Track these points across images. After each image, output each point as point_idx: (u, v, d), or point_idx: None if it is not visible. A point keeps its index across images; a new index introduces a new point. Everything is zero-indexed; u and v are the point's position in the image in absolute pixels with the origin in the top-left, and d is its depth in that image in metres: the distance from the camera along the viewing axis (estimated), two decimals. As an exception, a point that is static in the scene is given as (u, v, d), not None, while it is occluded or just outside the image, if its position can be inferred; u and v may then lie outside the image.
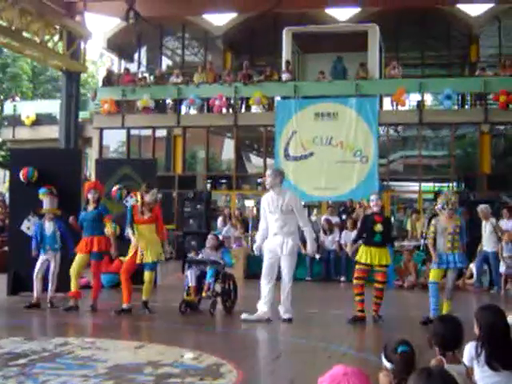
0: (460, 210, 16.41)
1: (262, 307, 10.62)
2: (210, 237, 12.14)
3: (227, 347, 8.60)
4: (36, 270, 11.91)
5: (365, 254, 10.56)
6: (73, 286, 11.53)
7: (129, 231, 11.48)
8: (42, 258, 11.94)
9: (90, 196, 11.76)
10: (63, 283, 11.89)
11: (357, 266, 10.68)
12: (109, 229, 11.67)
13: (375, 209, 10.84)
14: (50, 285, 11.87)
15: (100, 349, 8.01)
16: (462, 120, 24.10)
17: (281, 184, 10.85)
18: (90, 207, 11.77)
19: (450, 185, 25.06)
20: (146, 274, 11.32)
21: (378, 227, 10.56)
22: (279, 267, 10.77)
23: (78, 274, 11.68)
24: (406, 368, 3.51)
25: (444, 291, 10.64)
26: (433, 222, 10.90)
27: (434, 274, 10.65)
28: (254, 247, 11.50)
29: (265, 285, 10.71)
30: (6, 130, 30.98)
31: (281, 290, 10.70)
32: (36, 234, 11.99)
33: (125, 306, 11.19)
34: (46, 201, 12.19)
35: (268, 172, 11.00)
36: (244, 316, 10.57)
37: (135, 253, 11.25)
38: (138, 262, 11.24)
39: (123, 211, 13.54)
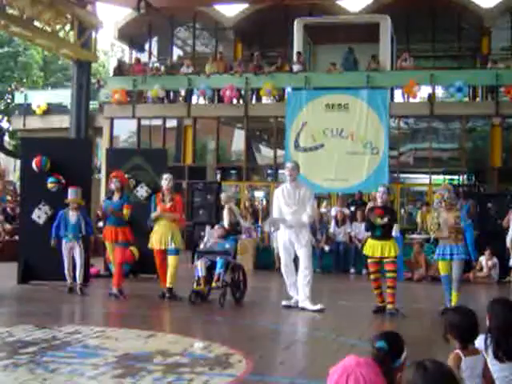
0: (469, 203, 16.48)
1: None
2: (216, 227, 12.20)
3: (236, 337, 8.61)
4: (66, 259, 12.23)
5: (369, 247, 10.64)
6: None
7: (151, 218, 11.87)
8: (66, 246, 12.21)
9: (112, 185, 12.15)
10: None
11: (368, 261, 10.74)
12: (126, 213, 11.98)
13: (378, 201, 10.88)
14: (77, 273, 12.25)
15: (110, 338, 8.04)
16: (472, 112, 24.00)
17: (298, 177, 11.29)
18: (116, 197, 12.14)
19: (461, 178, 25.00)
20: (171, 259, 11.63)
21: (378, 221, 10.59)
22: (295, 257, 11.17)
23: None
24: (378, 364, 3.42)
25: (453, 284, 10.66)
26: (436, 213, 11.00)
27: (441, 267, 10.71)
28: (267, 222, 11.83)
29: (287, 278, 11.15)
30: (16, 119, 30.99)
31: (299, 279, 10.93)
32: (58, 223, 12.23)
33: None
34: (71, 191, 12.35)
35: (291, 165, 11.29)
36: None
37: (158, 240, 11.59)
38: (158, 248, 11.55)
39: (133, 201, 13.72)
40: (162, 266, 11.70)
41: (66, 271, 12.27)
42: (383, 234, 10.62)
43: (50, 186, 12.93)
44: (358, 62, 24.85)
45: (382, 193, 10.86)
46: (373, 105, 22.00)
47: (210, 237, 12.07)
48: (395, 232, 11.43)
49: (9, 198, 22.80)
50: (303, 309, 10.77)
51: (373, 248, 10.58)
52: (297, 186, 11.07)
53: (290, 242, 11.00)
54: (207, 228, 12.26)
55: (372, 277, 10.74)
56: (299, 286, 10.97)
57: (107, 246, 12.26)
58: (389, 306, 10.54)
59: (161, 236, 11.56)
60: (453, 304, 10.20)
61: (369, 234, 11.14)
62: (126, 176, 14.54)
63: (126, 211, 11.98)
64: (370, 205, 11.73)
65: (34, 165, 13.12)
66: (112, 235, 12.02)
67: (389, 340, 3.63)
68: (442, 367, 3.04)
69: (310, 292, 10.90)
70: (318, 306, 10.76)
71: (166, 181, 11.77)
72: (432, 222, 10.91)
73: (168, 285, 11.61)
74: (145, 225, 12.40)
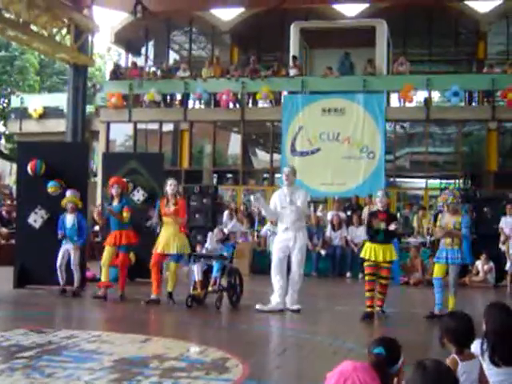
0: (466, 207, 16.50)
1: (276, 299, 11.06)
2: (216, 230, 12.21)
3: (233, 341, 8.61)
4: (58, 261, 12.36)
5: (370, 251, 10.64)
6: (103, 277, 12.08)
7: (153, 221, 11.96)
8: (62, 248, 12.35)
9: (113, 191, 12.32)
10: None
11: (365, 264, 10.74)
12: (126, 216, 12.04)
13: (379, 205, 10.91)
14: (74, 275, 12.43)
15: (106, 342, 8.02)
16: (469, 117, 24.00)
17: (295, 181, 11.46)
18: (115, 202, 12.21)
19: (457, 182, 25.01)
20: (171, 266, 11.72)
21: (381, 225, 10.62)
22: (288, 261, 11.24)
23: (107, 266, 12.13)
24: (376, 370, 3.42)
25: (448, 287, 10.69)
26: (439, 217, 11.08)
27: (436, 270, 10.80)
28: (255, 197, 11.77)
29: (276, 280, 11.12)
30: (13, 122, 30.91)
31: (290, 282, 11.02)
32: (60, 227, 12.35)
33: (153, 296, 11.56)
34: (68, 192, 12.50)
35: (287, 169, 11.45)
36: (258, 306, 10.98)
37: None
38: (159, 251, 11.53)
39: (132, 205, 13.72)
40: (156, 271, 11.61)
41: (58, 272, 12.31)
42: (385, 238, 10.66)
43: (50, 190, 12.86)
44: (354, 67, 24.89)
45: (381, 197, 10.92)
46: (369, 109, 22.04)
47: (211, 241, 12.03)
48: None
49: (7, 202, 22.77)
50: (297, 310, 10.89)
51: (374, 252, 10.58)
52: (293, 190, 11.16)
53: (287, 246, 11.08)
54: (209, 234, 12.25)
55: (367, 278, 10.75)
56: (289, 290, 11.07)
57: (106, 250, 12.21)
58: (377, 309, 10.61)
59: (166, 240, 11.55)
60: (449, 308, 10.23)
61: (363, 236, 11.16)
62: (125, 180, 14.51)
63: (125, 214, 12.03)
64: (367, 210, 11.67)
65: (28, 169, 13.10)
66: (116, 239, 12.04)
67: (386, 346, 3.63)
68: (441, 366, 3.05)
69: (297, 292, 11.09)
70: (296, 306, 10.96)
71: (170, 186, 11.74)
72: (433, 225, 11.01)
73: (168, 289, 11.60)
74: (141, 229, 12.49)
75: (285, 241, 11.11)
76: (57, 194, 12.85)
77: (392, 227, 10.64)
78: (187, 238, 12.23)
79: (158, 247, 11.58)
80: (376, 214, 10.91)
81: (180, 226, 11.88)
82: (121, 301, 11.90)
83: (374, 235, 10.68)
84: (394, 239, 11.61)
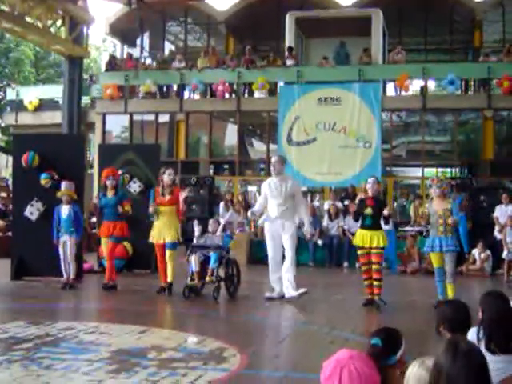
0: (462, 196, 16.53)
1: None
2: (211, 221, 12.21)
3: (230, 332, 8.63)
4: (61, 255, 12.33)
5: (359, 237, 10.70)
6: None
7: (150, 210, 11.76)
8: (61, 241, 12.32)
9: (108, 183, 12.43)
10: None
11: (358, 253, 10.80)
12: (128, 209, 12.26)
13: (369, 192, 10.94)
14: (70, 267, 12.36)
15: (104, 333, 8.03)
16: (465, 106, 24.00)
17: (284, 170, 11.41)
18: (110, 193, 12.35)
19: (453, 170, 25.03)
20: (167, 253, 11.60)
21: (368, 210, 10.67)
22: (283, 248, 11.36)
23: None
24: (373, 359, 3.42)
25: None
26: (427, 205, 11.09)
27: (433, 260, 10.75)
28: (250, 213, 11.87)
29: (273, 272, 11.32)
30: (8, 115, 30.91)
31: (283, 267, 11.18)
32: (54, 220, 12.32)
33: (163, 284, 11.64)
34: (64, 184, 12.44)
35: (275, 159, 11.42)
36: (268, 294, 11.16)
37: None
38: (155, 241, 11.59)
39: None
40: (161, 261, 11.68)
41: (61, 265, 12.32)
42: (373, 223, 10.67)
43: (43, 182, 12.92)
44: (349, 56, 24.84)
45: (372, 183, 10.93)
46: (365, 98, 22.01)
47: (199, 232, 12.01)
48: (388, 225, 11.52)
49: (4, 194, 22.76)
50: (288, 299, 10.92)
51: (362, 238, 10.65)
52: (282, 180, 11.27)
53: (277, 233, 11.21)
54: (195, 222, 12.25)
55: (363, 268, 10.82)
56: (282, 273, 11.16)
57: (102, 241, 12.33)
58: (376, 298, 10.61)
59: (159, 230, 11.59)
60: (450, 296, 10.22)
61: (358, 225, 11.16)
62: (120, 172, 14.51)
63: (127, 207, 12.23)
64: (360, 196, 11.71)
65: (22, 161, 13.12)
66: (109, 230, 12.14)
67: (384, 337, 3.63)
68: (474, 348, 2.99)
69: (293, 278, 11.05)
70: (302, 290, 10.96)
71: (168, 176, 11.71)
72: (424, 213, 10.97)
73: (168, 279, 11.61)
74: (138, 220, 12.53)
75: (275, 229, 11.27)
76: (49, 185, 12.85)
77: (385, 213, 10.70)
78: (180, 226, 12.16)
79: (154, 238, 11.61)
80: (364, 200, 10.96)
81: (178, 212, 11.91)
82: (107, 291, 11.93)
83: (363, 221, 10.74)
84: (387, 225, 11.64)
